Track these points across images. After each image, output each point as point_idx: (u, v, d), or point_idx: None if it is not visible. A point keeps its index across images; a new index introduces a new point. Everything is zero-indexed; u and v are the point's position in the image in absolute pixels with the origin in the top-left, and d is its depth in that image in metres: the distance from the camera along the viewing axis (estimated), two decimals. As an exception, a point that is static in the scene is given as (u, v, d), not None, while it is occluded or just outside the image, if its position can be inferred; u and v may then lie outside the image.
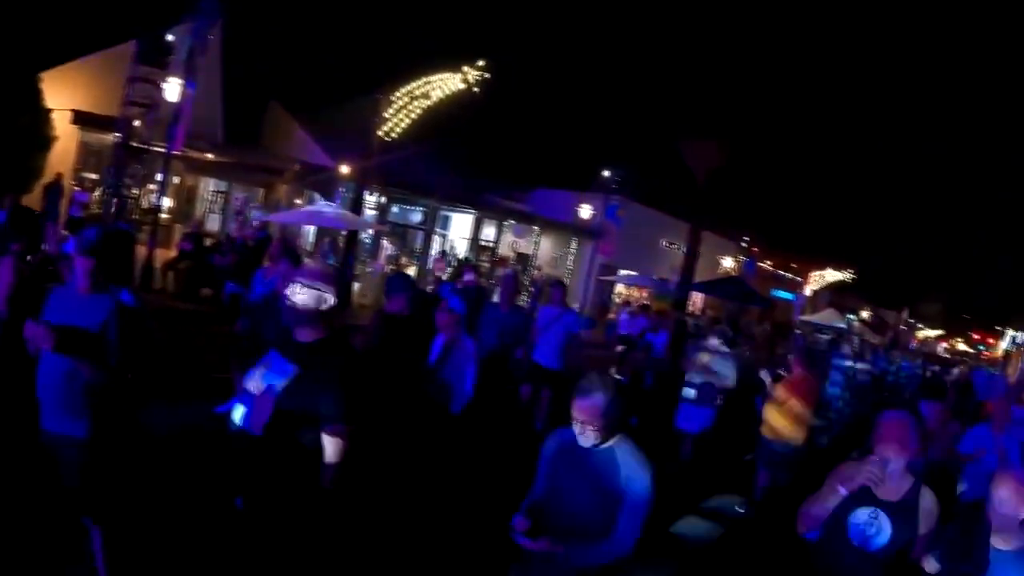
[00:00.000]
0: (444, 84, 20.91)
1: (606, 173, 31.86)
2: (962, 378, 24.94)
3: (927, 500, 4.01)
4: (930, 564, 3.84)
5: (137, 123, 19.33)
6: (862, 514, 3.99)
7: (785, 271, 53.69)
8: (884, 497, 3.99)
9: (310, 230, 24.16)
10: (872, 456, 4.01)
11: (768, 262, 50.47)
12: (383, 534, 6.14)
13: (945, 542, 3.88)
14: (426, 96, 20.81)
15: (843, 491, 3.94)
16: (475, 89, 20.98)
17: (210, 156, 22.65)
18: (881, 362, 26.32)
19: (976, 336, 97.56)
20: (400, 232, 28.97)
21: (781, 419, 8.86)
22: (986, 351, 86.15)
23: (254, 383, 3.78)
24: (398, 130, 20.57)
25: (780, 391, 8.89)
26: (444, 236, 31.55)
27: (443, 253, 27.97)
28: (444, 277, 21.13)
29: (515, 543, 3.66)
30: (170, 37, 18.77)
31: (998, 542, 3.73)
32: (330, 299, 3.81)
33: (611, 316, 29.54)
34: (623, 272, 35.38)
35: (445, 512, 6.89)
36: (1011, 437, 7.76)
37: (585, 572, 3.70)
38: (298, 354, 3.75)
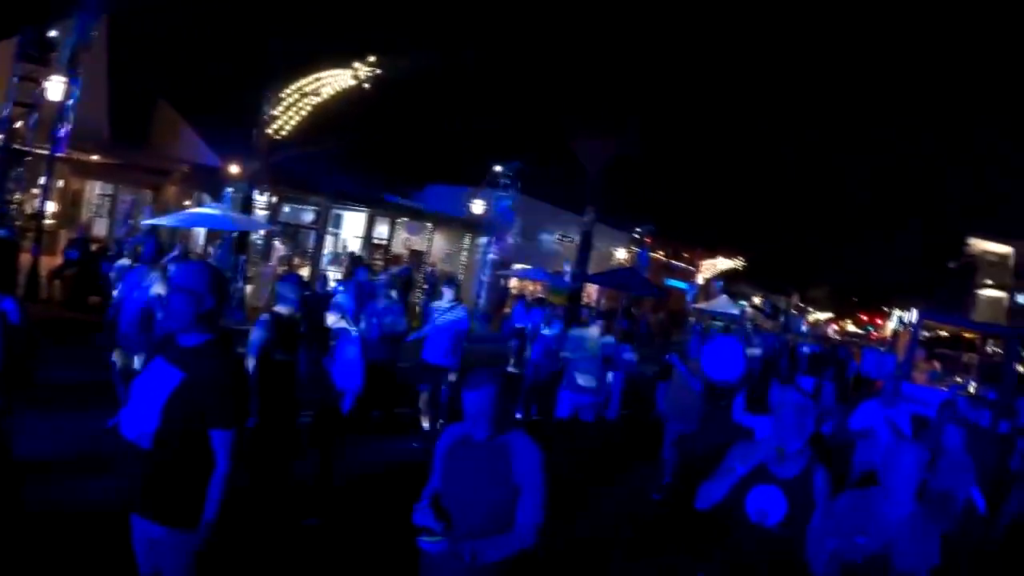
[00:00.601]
0: (334, 81, 20.92)
1: (498, 168, 32.19)
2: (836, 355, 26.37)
3: (820, 477, 4.16)
4: (827, 539, 4.03)
5: (19, 124, 18.62)
6: (759, 492, 4.13)
7: (678, 261, 54.92)
8: (780, 474, 4.13)
9: (200, 232, 23.99)
10: (769, 435, 4.26)
11: (661, 252, 51.54)
12: (276, 538, 6.32)
13: (839, 514, 4.09)
14: (316, 93, 20.79)
15: (740, 469, 4.10)
16: (366, 85, 21.08)
17: (96, 158, 22.07)
18: (771, 342, 27.60)
19: (865, 317, 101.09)
20: (292, 232, 28.84)
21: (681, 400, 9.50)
22: (875, 332, 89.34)
23: (139, 392, 3.69)
24: (288, 128, 20.52)
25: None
26: (337, 235, 31.55)
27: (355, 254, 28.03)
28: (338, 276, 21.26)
29: (416, 545, 3.68)
30: (53, 33, 18.06)
31: (891, 510, 4.01)
32: (209, 301, 3.71)
33: (506, 310, 29.99)
34: (517, 266, 35.73)
35: (338, 513, 7.14)
36: (900, 412, 8.50)
37: (491, 567, 3.71)
38: (183, 359, 3.66)
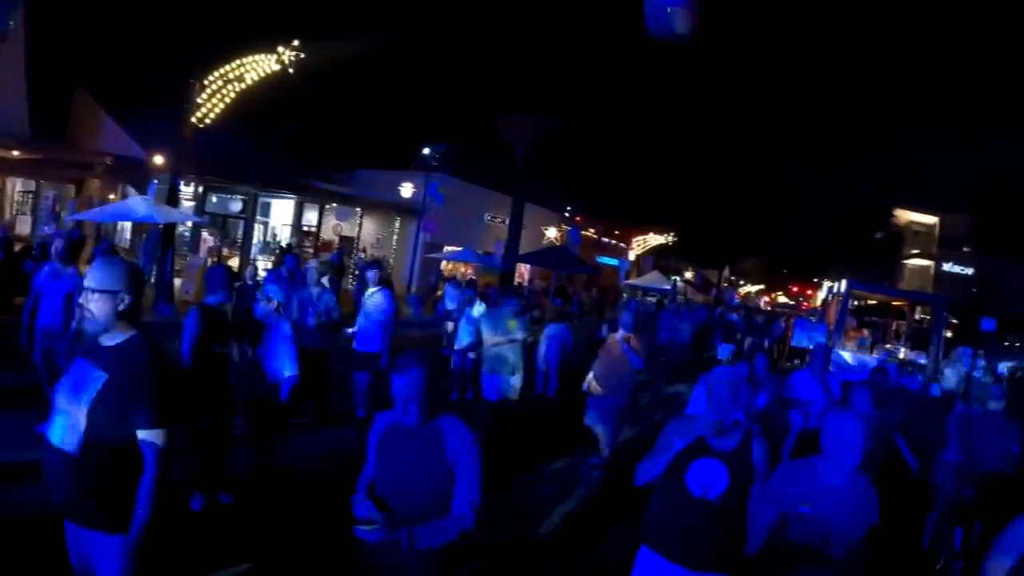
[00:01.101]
0: (259, 66, 20.53)
1: (426, 150, 32.23)
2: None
3: (759, 447, 4.25)
4: (769, 508, 4.17)
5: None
6: (700, 465, 4.19)
7: (609, 238, 55.48)
8: (719, 447, 4.21)
9: (126, 226, 23.77)
10: (707, 408, 4.25)
11: (591, 230, 52.01)
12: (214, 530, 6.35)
13: (780, 485, 4.23)
14: (240, 79, 20.38)
15: (679, 444, 4.16)
16: (290, 70, 20.76)
17: (16, 153, 21.82)
18: (701, 315, 28.25)
19: (795, 289, 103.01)
20: (220, 222, 28.56)
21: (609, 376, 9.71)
22: (805, 302, 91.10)
23: (64, 396, 3.60)
24: (212, 115, 20.14)
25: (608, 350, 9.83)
26: (266, 224, 31.43)
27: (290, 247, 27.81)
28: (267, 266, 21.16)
29: (354, 535, 3.62)
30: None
31: (833, 478, 4.13)
32: (127, 297, 3.64)
33: (439, 293, 30.08)
34: (448, 249, 35.79)
35: (274, 502, 7.17)
36: (832, 380, 8.78)
37: (431, 552, 3.71)
38: (105, 359, 3.58)
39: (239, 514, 6.81)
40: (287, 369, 7.55)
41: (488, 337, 10.24)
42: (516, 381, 10.03)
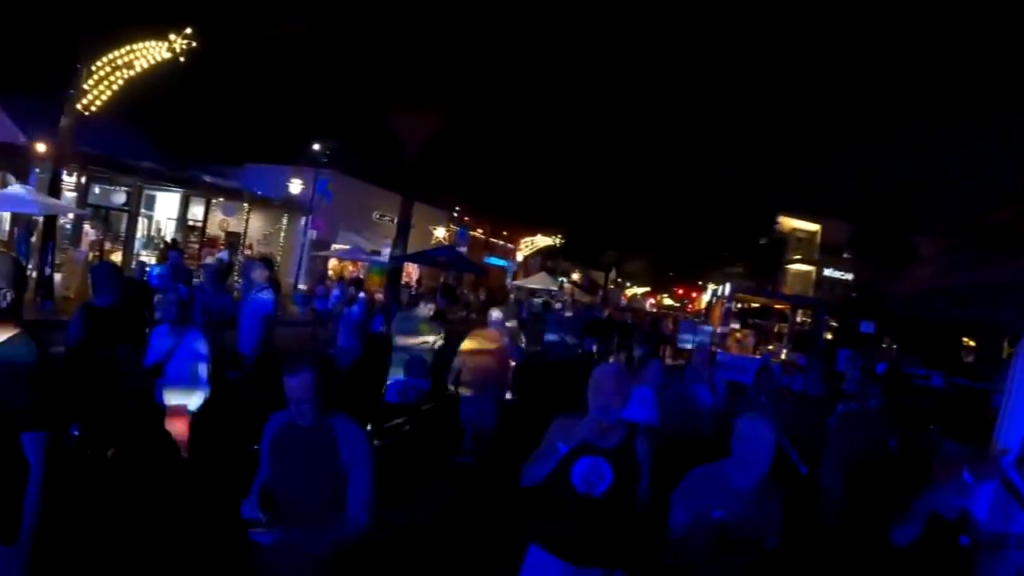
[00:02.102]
0: (149, 53, 19.91)
1: (316, 146, 32.14)
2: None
3: (642, 443, 4.31)
4: (678, 513, 4.24)
5: None
6: (584, 463, 4.22)
7: (497, 238, 56.20)
8: (603, 445, 4.24)
9: (5, 217, 23.30)
10: (590, 408, 4.26)
11: (480, 230, 52.68)
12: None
13: (692, 488, 4.31)
14: (129, 66, 19.75)
15: (563, 449, 4.17)
16: (181, 59, 20.24)
17: None
18: (589, 316, 28.97)
19: (681, 291, 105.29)
20: (103, 215, 27.87)
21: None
22: (690, 304, 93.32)
23: None
24: (99, 103, 19.52)
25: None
26: (150, 218, 30.83)
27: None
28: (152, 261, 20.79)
29: (250, 537, 3.65)
30: None
31: (742, 481, 4.19)
32: (8, 294, 3.51)
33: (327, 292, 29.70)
34: (336, 246, 35.97)
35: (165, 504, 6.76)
36: (714, 379, 9.25)
37: (327, 552, 3.78)
38: None
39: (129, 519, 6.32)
40: (200, 378, 7.12)
41: (400, 340, 10.37)
42: (424, 385, 10.21)
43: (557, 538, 4.32)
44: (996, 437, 7.30)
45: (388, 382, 10.46)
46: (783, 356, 25.94)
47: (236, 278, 26.32)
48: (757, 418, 4.32)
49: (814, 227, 70.35)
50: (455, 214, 47.27)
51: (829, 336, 26.22)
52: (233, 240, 31.79)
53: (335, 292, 19.78)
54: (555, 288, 47.38)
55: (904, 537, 3.90)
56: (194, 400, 7.13)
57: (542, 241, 59.64)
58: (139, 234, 29.07)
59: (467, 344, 10.18)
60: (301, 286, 31.32)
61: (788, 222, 69.92)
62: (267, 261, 11.45)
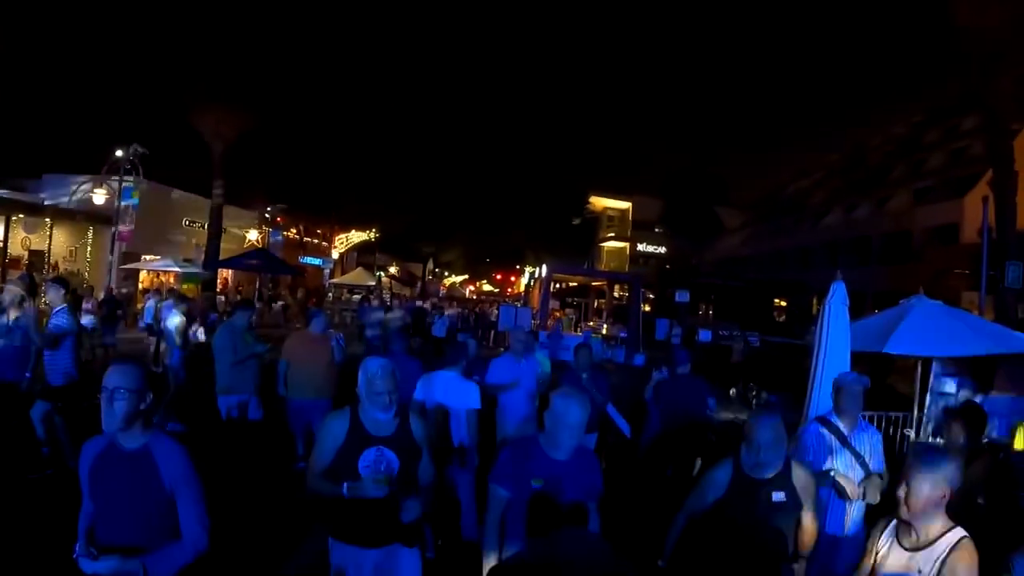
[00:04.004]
0: None
1: (119, 153, 31.35)
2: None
3: (416, 424, 4.69)
4: (498, 489, 4.55)
5: None
6: (369, 454, 4.45)
7: (312, 237, 56.15)
8: (381, 434, 4.52)
9: None
10: (366, 401, 4.54)
11: (294, 230, 52.60)
12: None
13: (509, 463, 4.57)
14: None
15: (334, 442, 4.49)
16: None
17: None
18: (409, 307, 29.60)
19: (499, 276, 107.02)
20: None
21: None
22: (510, 288, 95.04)
23: None
24: None
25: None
26: (-56, 240, 29.33)
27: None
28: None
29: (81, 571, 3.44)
30: None
31: (557, 453, 4.49)
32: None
33: (139, 306, 29.16)
34: (147, 258, 35.31)
35: None
36: (532, 362, 9.52)
37: None
38: None
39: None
40: None
41: (228, 357, 10.19)
42: (240, 398, 10.22)
43: (354, 528, 4.51)
44: (810, 386, 8.42)
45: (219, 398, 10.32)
46: (604, 331, 27.24)
47: (43, 300, 25.76)
48: (569, 394, 4.55)
49: (625, 204, 73.08)
50: (267, 215, 47.01)
51: (647, 308, 27.53)
52: (36, 260, 30.68)
53: (150, 305, 19.47)
54: (372, 283, 47.72)
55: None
56: None
57: (357, 236, 59.87)
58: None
59: (291, 347, 10.30)
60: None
61: (600, 201, 72.39)
62: (63, 280, 10.67)
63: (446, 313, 30.34)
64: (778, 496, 4.66)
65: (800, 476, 4.82)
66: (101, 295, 24.57)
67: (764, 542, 4.66)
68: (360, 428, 4.51)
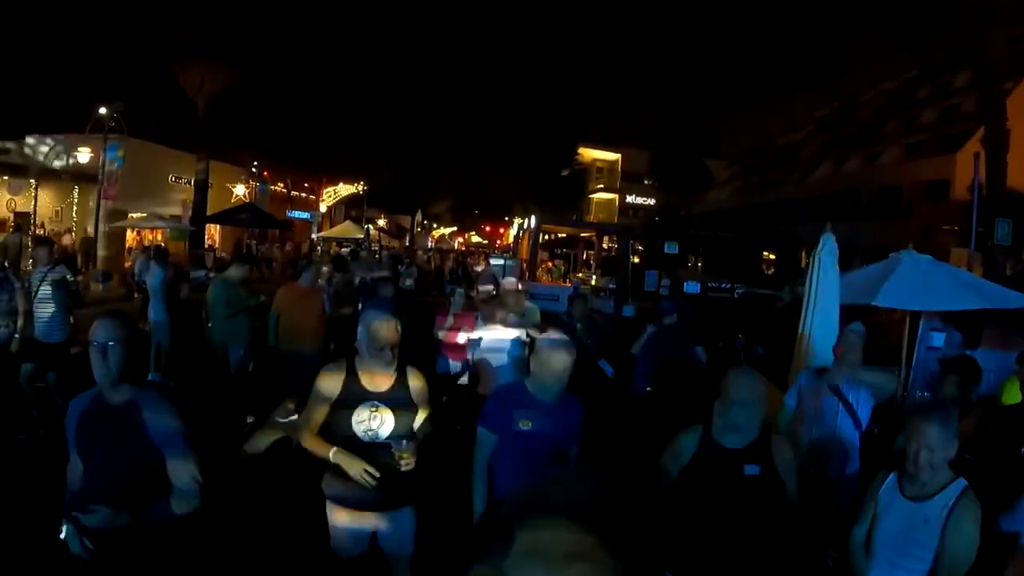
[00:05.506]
0: None
1: (103, 110, 31.20)
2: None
3: (416, 382, 4.63)
4: (486, 433, 4.65)
5: None
6: (364, 411, 4.44)
7: (299, 191, 55.96)
8: (376, 390, 4.50)
9: None
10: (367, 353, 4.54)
11: (281, 184, 52.39)
12: None
13: (497, 403, 4.72)
14: None
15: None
16: None
17: None
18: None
19: (488, 228, 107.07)
20: None
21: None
22: (499, 240, 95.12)
23: None
24: None
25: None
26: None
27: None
28: None
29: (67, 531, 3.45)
30: None
31: (542, 396, 4.63)
32: None
33: (128, 265, 28.57)
34: (134, 216, 35.09)
35: None
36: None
37: (159, 533, 3.64)
38: None
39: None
40: None
41: (221, 310, 10.27)
42: (237, 350, 10.33)
43: (349, 491, 4.47)
44: (800, 338, 8.53)
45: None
46: (593, 282, 27.32)
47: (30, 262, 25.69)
48: (554, 340, 4.68)
49: (614, 156, 73.09)
50: (254, 170, 46.77)
51: (636, 260, 27.56)
52: (23, 221, 29.98)
53: (140, 263, 19.37)
54: (361, 236, 47.66)
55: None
56: None
57: (345, 190, 59.63)
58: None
59: (281, 299, 10.37)
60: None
61: (589, 153, 72.35)
62: (48, 240, 10.97)
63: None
64: (751, 469, 4.00)
65: (782, 451, 4.16)
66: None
67: (731, 524, 3.94)
68: (356, 383, 4.50)
